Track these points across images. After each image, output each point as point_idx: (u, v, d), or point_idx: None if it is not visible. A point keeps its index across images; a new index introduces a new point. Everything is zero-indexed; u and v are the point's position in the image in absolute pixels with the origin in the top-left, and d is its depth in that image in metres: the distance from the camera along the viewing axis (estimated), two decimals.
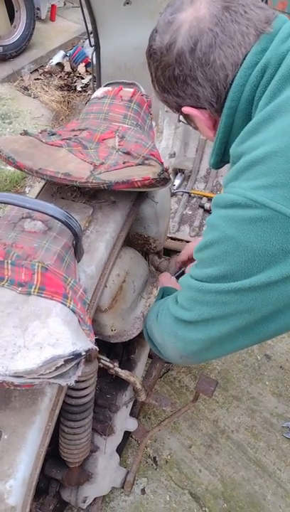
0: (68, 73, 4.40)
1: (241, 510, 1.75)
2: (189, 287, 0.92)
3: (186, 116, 1.03)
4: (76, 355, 0.80)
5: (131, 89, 1.38)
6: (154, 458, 1.87)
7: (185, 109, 0.95)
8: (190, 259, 1.48)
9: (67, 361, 0.79)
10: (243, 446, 1.91)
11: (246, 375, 2.11)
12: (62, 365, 0.78)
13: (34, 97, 4.09)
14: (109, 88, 1.41)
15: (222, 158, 1.03)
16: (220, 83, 0.87)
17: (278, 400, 2.04)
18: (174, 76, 0.90)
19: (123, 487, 1.53)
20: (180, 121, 1.16)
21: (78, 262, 1.08)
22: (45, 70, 4.40)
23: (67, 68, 4.40)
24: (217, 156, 1.02)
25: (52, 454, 1.33)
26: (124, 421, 1.53)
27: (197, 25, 0.84)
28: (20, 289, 0.88)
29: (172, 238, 2.05)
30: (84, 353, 0.82)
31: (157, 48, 0.90)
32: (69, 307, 0.89)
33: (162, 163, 1.21)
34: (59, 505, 1.50)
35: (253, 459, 1.87)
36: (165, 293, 1.29)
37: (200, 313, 0.90)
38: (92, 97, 1.44)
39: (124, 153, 1.19)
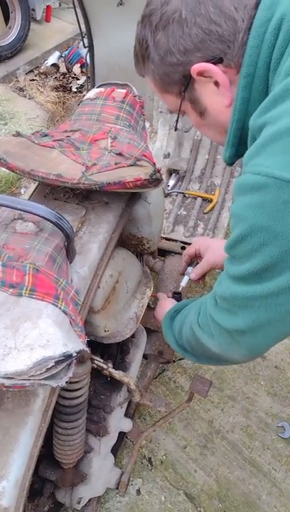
0: (63, 74, 4.40)
1: (236, 510, 1.75)
2: (233, 296, 0.82)
3: (191, 98, 0.88)
4: (67, 357, 0.80)
5: (124, 91, 1.38)
6: (149, 458, 1.87)
7: (196, 67, 0.80)
8: (198, 255, 1.42)
9: (58, 362, 0.79)
10: (238, 446, 1.91)
11: (242, 375, 2.12)
12: (52, 366, 0.78)
13: (29, 98, 4.08)
14: (102, 89, 1.42)
15: (237, 150, 0.90)
16: (238, 15, 0.76)
17: (273, 400, 2.04)
18: (180, 21, 0.78)
19: (118, 488, 1.53)
20: (176, 129, 1.09)
21: (70, 263, 1.08)
22: (41, 70, 4.40)
23: (63, 69, 4.39)
24: (233, 147, 0.89)
25: (47, 455, 1.33)
26: (118, 422, 1.53)
27: None
28: (11, 290, 0.88)
29: (166, 239, 2.05)
30: (75, 354, 0.82)
31: (157, 1, 0.81)
32: (60, 308, 0.89)
33: (154, 163, 1.21)
34: (54, 507, 1.50)
35: (248, 458, 1.88)
36: (171, 318, 1.23)
37: (254, 319, 0.81)
38: (85, 98, 1.44)
39: (116, 154, 1.19)
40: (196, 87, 0.85)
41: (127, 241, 1.47)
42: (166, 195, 2.23)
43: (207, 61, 0.79)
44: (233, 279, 0.81)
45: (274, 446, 1.90)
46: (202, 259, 1.38)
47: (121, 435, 1.72)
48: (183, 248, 2.02)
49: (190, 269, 1.45)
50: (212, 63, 0.79)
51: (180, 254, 2.01)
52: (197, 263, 1.43)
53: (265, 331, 0.83)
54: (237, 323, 0.86)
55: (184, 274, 1.46)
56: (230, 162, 0.94)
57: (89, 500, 1.51)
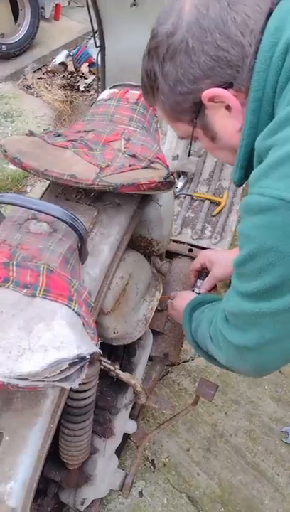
0: (71, 73, 4.39)
1: None
2: (242, 312, 0.83)
3: (203, 124, 0.89)
4: (80, 359, 0.80)
5: (138, 92, 1.38)
6: (152, 461, 1.87)
7: (207, 93, 0.80)
8: (204, 268, 1.45)
9: (71, 364, 0.79)
10: (241, 450, 1.90)
11: (246, 378, 2.11)
12: (66, 368, 0.78)
13: (37, 96, 4.08)
14: (115, 90, 1.41)
15: (246, 172, 0.89)
16: (245, 40, 0.77)
17: (277, 405, 2.04)
18: (188, 50, 0.78)
19: (121, 490, 1.53)
20: (189, 155, 1.10)
21: (82, 264, 1.07)
22: (48, 69, 4.40)
23: (71, 68, 4.39)
24: (242, 170, 0.89)
25: (52, 456, 1.32)
26: (123, 423, 1.53)
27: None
28: (25, 290, 0.88)
29: (174, 241, 2.04)
30: (88, 357, 0.82)
31: (163, 33, 0.81)
32: (73, 310, 0.88)
33: (167, 166, 1.21)
34: (57, 507, 1.50)
35: (251, 463, 1.87)
36: (193, 309, 1.23)
37: (262, 335, 0.82)
38: (98, 98, 1.43)
39: (129, 155, 1.19)
40: (207, 113, 0.86)
41: (137, 243, 1.46)
42: (174, 197, 2.22)
43: (218, 87, 0.80)
44: (242, 296, 0.82)
45: (277, 451, 1.90)
46: (209, 273, 1.42)
47: (125, 437, 1.72)
48: (191, 250, 2.01)
49: (199, 282, 1.47)
50: (223, 88, 0.80)
51: (188, 256, 2.01)
52: (206, 274, 1.44)
53: (272, 348, 0.84)
54: (245, 340, 0.86)
55: (194, 288, 1.48)
56: (239, 184, 0.95)
57: (92, 501, 1.51)
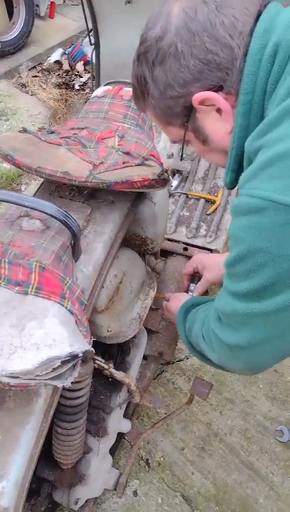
0: (66, 71, 4.38)
1: None
2: (233, 312, 0.83)
3: (194, 128, 0.88)
4: (73, 357, 0.79)
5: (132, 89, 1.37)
6: (147, 460, 1.86)
7: (198, 97, 0.80)
8: (197, 272, 1.45)
9: (64, 362, 0.78)
10: (236, 449, 1.90)
11: (241, 377, 2.11)
12: (59, 366, 0.77)
13: (32, 95, 4.07)
14: (110, 87, 1.41)
15: (237, 175, 0.88)
16: (234, 43, 0.76)
17: (271, 404, 2.04)
18: (177, 54, 0.78)
19: (115, 489, 1.52)
20: (182, 158, 1.10)
21: (76, 262, 1.07)
22: (43, 67, 4.38)
23: (66, 66, 4.38)
24: (233, 172, 0.89)
25: (45, 455, 1.31)
26: (117, 422, 1.52)
27: (189, 2, 0.78)
28: (17, 288, 0.87)
29: (168, 239, 2.03)
30: (81, 355, 0.81)
31: (152, 38, 0.80)
32: (66, 307, 0.88)
33: (162, 163, 1.20)
34: (50, 507, 1.49)
35: (246, 462, 1.87)
36: (187, 311, 1.22)
37: (253, 335, 0.82)
38: (92, 95, 1.43)
39: (123, 153, 1.18)
40: (198, 117, 0.86)
41: (131, 241, 1.46)
42: (169, 196, 2.21)
43: (208, 90, 0.80)
44: (233, 295, 0.83)
45: (272, 450, 1.90)
46: (202, 277, 1.42)
47: (119, 436, 1.71)
48: (186, 249, 2.01)
49: (192, 286, 1.47)
50: (213, 91, 0.80)
51: (182, 255, 2.00)
52: (199, 277, 1.45)
53: (264, 347, 0.84)
54: (237, 339, 0.87)
55: (187, 292, 1.48)
56: (231, 187, 0.94)
57: (86, 500, 1.50)
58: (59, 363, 0.77)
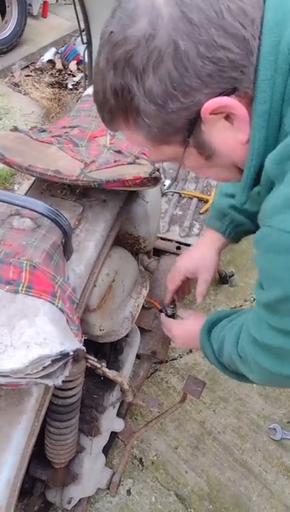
0: (59, 70, 4.37)
1: None
2: (281, 348, 0.80)
3: (198, 142, 0.72)
4: (64, 355, 0.79)
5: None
6: (140, 459, 1.86)
7: (210, 105, 0.64)
8: (183, 288, 1.39)
9: (54, 361, 0.78)
10: (229, 447, 1.90)
11: None
12: (49, 364, 0.77)
13: (24, 94, 4.05)
14: None
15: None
16: (248, 33, 0.62)
17: (265, 402, 2.04)
18: (178, 54, 0.61)
19: (109, 488, 1.52)
20: (177, 180, 1.00)
21: (67, 260, 1.06)
22: (36, 66, 4.37)
23: (59, 65, 4.37)
24: (249, 190, 0.78)
25: (38, 454, 1.31)
26: (110, 421, 1.52)
27: None
28: (7, 287, 0.86)
29: (161, 238, 2.04)
30: (72, 353, 0.81)
31: (137, 37, 0.62)
32: (57, 306, 0.87)
33: (153, 162, 1.20)
34: (43, 506, 1.48)
35: (239, 460, 1.87)
36: (209, 331, 1.15)
37: None
38: (84, 94, 1.42)
39: (115, 151, 1.18)
40: (203, 129, 0.70)
41: (123, 240, 1.46)
42: (162, 195, 2.22)
43: (219, 95, 0.64)
44: (277, 331, 0.78)
45: (265, 448, 1.90)
46: (199, 280, 1.31)
47: (113, 435, 1.71)
48: (179, 248, 2.01)
49: (169, 310, 1.42)
50: (225, 95, 0.65)
51: (176, 254, 2.01)
52: (182, 287, 1.39)
53: None
54: (281, 369, 0.84)
55: (166, 309, 1.43)
56: (245, 203, 0.84)
57: (80, 500, 1.50)
58: (49, 362, 0.77)
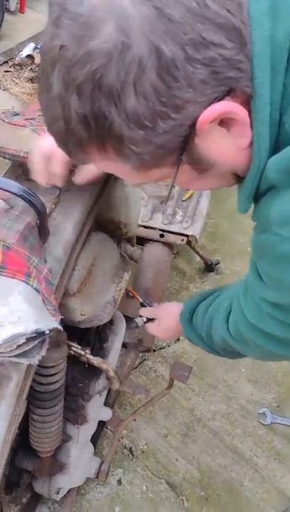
0: (39, 65, 4.32)
1: (218, 498, 1.74)
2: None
3: (192, 158, 0.61)
4: (39, 334, 0.77)
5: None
6: (130, 448, 1.85)
7: (208, 117, 0.54)
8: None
9: (29, 339, 0.76)
10: (219, 433, 1.90)
11: (222, 363, 2.11)
12: (24, 343, 0.75)
13: (4, 90, 4.00)
14: None
15: None
16: (237, 20, 0.52)
17: (254, 387, 2.04)
18: (163, 64, 0.50)
19: (98, 477, 1.50)
20: (167, 201, 0.96)
21: (44, 243, 1.04)
22: (15, 62, 4.31)
23: (38, 60, 4.32)
24: (251, 198, 0.69)
25: (23, 445, 1.29)
26: (97, 410, 1.50)
27: None
28: None
29: (145, 226, 2.02)
30: (48, 332, 0.79)
31: (106, 51, 0.49)
32: (32, 286, 0.85)
33: None
34: (32, 498, 1.46)
35: (230, 446, 1.87)
36: (190, 320, 1.16)
37: None
38: None
39: None
40: (198, 142, 0.59)
41: (104, 226, 1.43)
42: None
43: (214, 100, 0.54)
44: (283, 323, 0.77)
45: (255, 433, 1.90)
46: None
47: (101, 425, 1.69)
48: (162, 236, 2.00)
49: (139, 320, 1.43)
50: (221, 99, 0.54)
51: (159, 241, 1.99)
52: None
53: None
54: (288, 352, 0.84)
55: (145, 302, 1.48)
56: (245, 212, 0.75)
57: (69, 491, 1.48)
58: (24, 340, 0.75)
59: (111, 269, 1.30)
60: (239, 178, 0.69)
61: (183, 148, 0.58)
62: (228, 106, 0.55)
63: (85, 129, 0.55)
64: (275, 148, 0.60)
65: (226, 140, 0.60)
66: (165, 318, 1.32)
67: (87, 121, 0.54)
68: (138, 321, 1.42)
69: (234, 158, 0.63)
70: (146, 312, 1.42)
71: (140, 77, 0.50)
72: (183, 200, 2.14)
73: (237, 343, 0.98)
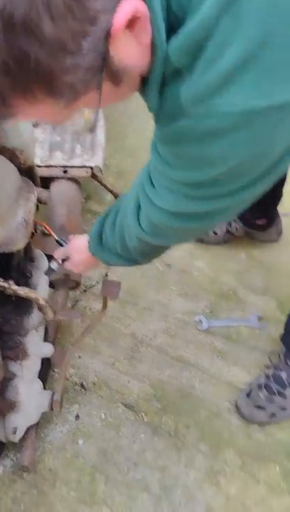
0: None
1: (174, 405, 1.81)
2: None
3: (112, 72, 0.60)
4: None
5: None
6: (81, 384, 1.85)
7: (123, 18, 0.54)
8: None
9: None
10: (163, 348, 1.96)
11: (152, 285, 2.15)
12: None
13: None
14: None
15: None
16: None
17: (186, 300, 2.11)
18: None
19: (52, 409, 1.49)
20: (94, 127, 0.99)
21: None
22: None
23: None
24: (158, 91, 0.68)
25: None
26: (37, 346, 1.48)
27: None
28: None
29: (46, 166, 1.97)
30: None
31: None
32: None
33: None
34: None
35: (175, 357, 1.93)
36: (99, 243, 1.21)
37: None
38: None
39: None
40: (113, 54, 0.58)
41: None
42: (35, 126, 2.13)
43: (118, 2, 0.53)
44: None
45: (195, 339, 1.98)
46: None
47: (47, 365, 1.67)
48: (65, 172, 1.96)
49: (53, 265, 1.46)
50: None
51: (64, 178, 1.96)
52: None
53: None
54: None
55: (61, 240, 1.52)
56: (158, 109, 0.72)
57: (27, 431, 1.46)
58: None
59: (15, 191, 1.25)
60: (142, 80, 0.69)
61: (103, 65, 0.57)
62: (133, 3, 0.54)
63: (6, 78, 0.52)
64: (168, 35, 0.60)
65: (131, 41, 0.59)
66: (76, 252, 1.36)
67: (9, 69, 0.50)
68: (53, 265, 1.44)
69: (141, 58, 0.62)
70: (58, 254, 1.45)
71: (48, 3, 0.47)
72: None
73: (153, 237, 1.00)
